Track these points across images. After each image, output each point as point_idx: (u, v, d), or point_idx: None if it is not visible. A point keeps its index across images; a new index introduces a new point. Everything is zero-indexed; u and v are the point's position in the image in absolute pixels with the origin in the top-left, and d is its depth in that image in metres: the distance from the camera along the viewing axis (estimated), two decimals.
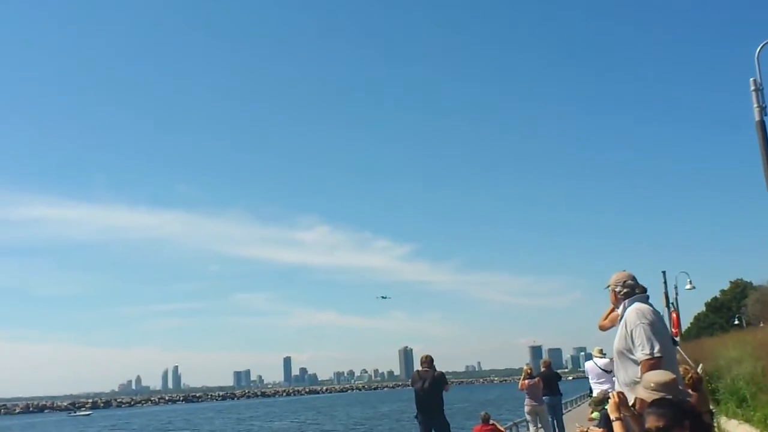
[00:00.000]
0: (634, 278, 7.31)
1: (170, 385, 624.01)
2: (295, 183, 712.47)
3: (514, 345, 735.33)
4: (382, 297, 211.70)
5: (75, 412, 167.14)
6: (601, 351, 16.18)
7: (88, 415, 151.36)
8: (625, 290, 7.18)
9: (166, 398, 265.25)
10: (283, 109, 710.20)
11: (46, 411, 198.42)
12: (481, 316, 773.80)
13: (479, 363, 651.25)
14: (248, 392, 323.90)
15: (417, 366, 15.36)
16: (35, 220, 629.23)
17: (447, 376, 15.37)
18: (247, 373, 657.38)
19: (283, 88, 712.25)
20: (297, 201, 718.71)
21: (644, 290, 7.38)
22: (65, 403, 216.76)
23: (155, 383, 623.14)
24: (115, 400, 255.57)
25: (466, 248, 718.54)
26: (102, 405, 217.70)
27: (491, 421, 19.53)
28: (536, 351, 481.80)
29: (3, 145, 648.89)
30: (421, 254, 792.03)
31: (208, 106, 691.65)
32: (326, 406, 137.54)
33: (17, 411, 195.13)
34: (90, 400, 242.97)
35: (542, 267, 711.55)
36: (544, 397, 21.02)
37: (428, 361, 14.83)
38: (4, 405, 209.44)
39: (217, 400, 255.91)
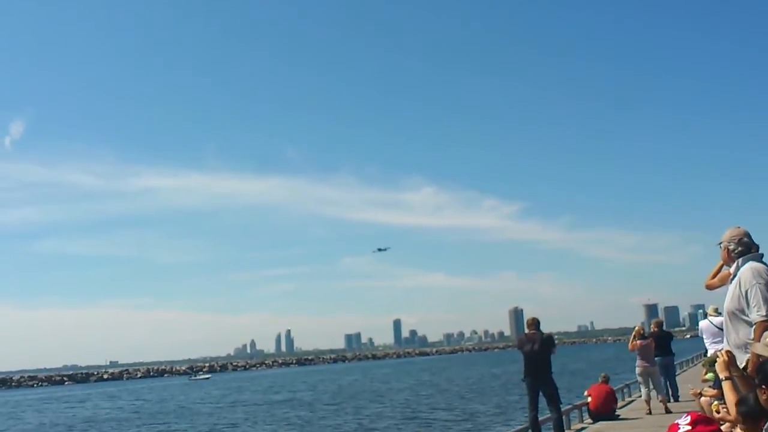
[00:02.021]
0: (749, 236, 6.99)
1: (283, 348, 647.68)
2: (400, 145, 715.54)
3: (627, 304, 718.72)
4: (379, 249, 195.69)
5: (195, 376, 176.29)
6: (716, 309, 15.65)
7: (208, 378, 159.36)
8: (739, 248, 6.91)
9: (280, 361, 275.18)
10: (385, 72, 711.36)
11: (165, 375, 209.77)
12: (593, 274, 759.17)
13: (592, 323, 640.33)
14: (359, 355, 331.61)
15: (527, 327, 15.41)
16: (149, 191, 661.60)
17: (558, 337, 15.43)
18: (358, 336, 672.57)
19: (388, 55, 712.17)
20: (402, 163, 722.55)
21: (758, 249, 7.04)
22: (184, 368, 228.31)
23: (269, 347, 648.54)
24: (231, 363, 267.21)
25: (578, 205, 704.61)
26: (219, 369, 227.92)
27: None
28: (651, 309, 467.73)
29: (117, 119, 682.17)
30: (531, 213, 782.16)
31: (313, 73, 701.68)
32: (437, 367, 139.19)
33: (139, 376, 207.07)
34: (207, 365, 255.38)
35: (657, 222, 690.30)
36: (656, 358, 20.70)
37: (535, 323, 14.86)
38: (126, 370, 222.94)
39: (328, 362, 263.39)
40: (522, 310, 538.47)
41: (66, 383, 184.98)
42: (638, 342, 20.27)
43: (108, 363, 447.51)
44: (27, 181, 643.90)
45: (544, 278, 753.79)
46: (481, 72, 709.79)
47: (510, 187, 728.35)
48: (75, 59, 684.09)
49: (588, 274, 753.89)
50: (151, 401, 78.33)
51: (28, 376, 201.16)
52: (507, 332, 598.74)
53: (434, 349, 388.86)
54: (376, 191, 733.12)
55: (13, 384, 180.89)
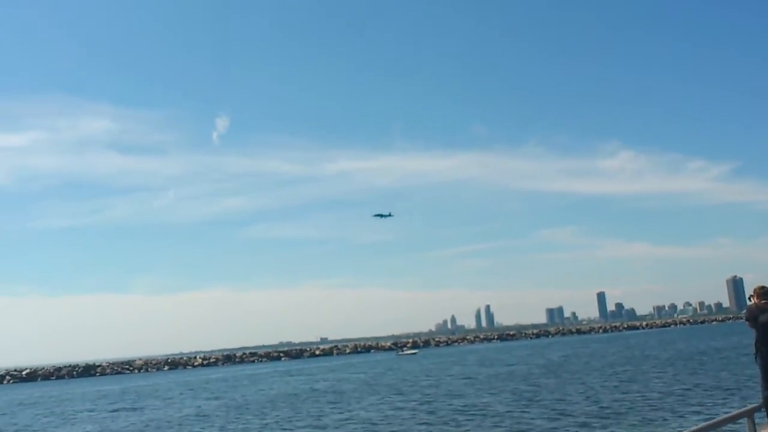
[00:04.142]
0: None
1: (484, 323, 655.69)
2: (592, 110, 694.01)
3: None
4: (380, 215, 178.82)
5: (402, 351, 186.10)
6: None
7: (415, 353, 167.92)
8: None
9: (481, 337, 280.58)
10: (571, 35, 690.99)
11: (372, 351, 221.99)
12: None
13: None
14: (562, 329, 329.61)
15: (755, 297, 13.79)
16: (343, 174, 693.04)
17: None
18: (560, 310, 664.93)
19: (573, 15, 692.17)
20: (594, 128, 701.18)
21: None
22: (389, 344, 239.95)
23: (469, 322, 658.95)
24: (433, 339, 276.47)
25: None
26: (422, 344, 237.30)
27: None
28: None
29: (310, 109, 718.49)
30: (745, 172, 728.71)
31: (497, 44, 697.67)
32: (649, 342, 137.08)
33: (348, 351, 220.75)
34: (410, 340, 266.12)
35: None
36: None
37: (765, 292, 13.58)
38: (335, 346, 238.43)
39: (531, 338, 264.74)
40: (741, 279, 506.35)
41: (282, 359, 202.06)
42: None
43: (319, 339, 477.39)
44: (234, 173, 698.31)
45: (765, 242, 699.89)
46: (674, 28, 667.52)
47: (718, 146, 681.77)
48: (267, 57, 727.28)
49: None
50: (379, 372, 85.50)
51: (249, 353, 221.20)
52: (725, 303, 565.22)
53: (644, 323, 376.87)
54: (569, 160, 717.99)
55: (237, 360, 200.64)
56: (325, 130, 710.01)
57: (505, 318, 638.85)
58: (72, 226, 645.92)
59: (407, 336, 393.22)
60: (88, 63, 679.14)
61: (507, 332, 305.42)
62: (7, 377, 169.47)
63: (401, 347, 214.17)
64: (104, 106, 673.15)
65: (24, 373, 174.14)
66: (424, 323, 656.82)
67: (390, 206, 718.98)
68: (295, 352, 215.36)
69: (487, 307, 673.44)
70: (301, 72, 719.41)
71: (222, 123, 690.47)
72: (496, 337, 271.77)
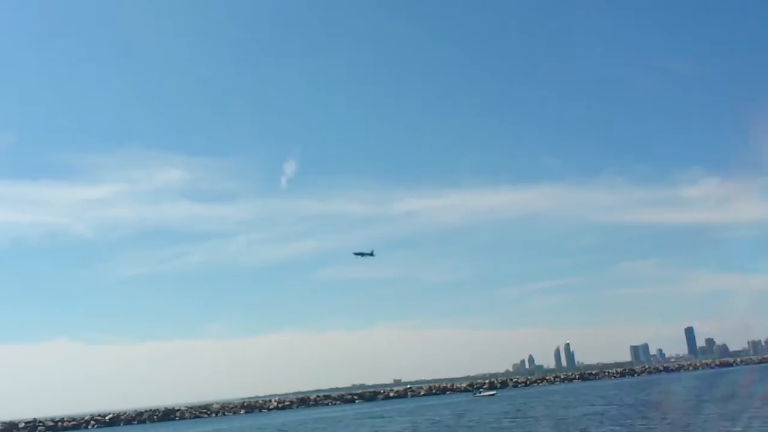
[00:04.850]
0: None
1: (564, 363, 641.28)
2: (672, 136, 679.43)
3: None
4: (360, 254, 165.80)
5: (478, 393, 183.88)
6: None
7: (493, 394, 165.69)
8: None
9: (562, 377, 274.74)
10: (646, 64, 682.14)
11: (447, 392, 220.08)
12: None
13: None
14: (648, 368, 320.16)
15: None
16: (412, 213, 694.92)
17: None
18: (645, 347, 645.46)
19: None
20: (674, 155, 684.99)
21: None
22: (464, 385, 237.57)
23: (548, 362, 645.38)
24: (511, 380, 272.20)
25: None
26: (499, 385, 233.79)
27: None
28: None
29: (377, 150, 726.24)
30: None
31: (565, 71, 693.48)
32: (746, 378, 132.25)
33: (422, 393, 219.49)
34: (487, 381, 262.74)
35: None
36: None
37: None
38: (410, 388, 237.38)
39: (615, 377, 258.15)
40: None
41: (356, 401, 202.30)
42: None
43: (392, 381, 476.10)
44: (303, 215, 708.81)
45: None
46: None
47: None
48: (331, 100, 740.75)
49: None
50: (458, 414, 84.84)
51: (323, 396, 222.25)
52: None
53: (738, 359, 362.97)
54: (648, 189, 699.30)
55: (311, 403, 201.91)
56: (392, 169, 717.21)
57: (586, 357, 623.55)
58: (149, 274, 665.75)
59: (483, 377, 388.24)
60: (163, 116, 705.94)
61: (589, 371, 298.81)
62: (92, 422, 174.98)
63: (478, 388, 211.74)
64: (178, 156, 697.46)
65: (107, 418, 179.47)
66: (500, 363, 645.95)
67: (460, 244, 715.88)
68: (369, 395, 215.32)
69: (567, 346, 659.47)
70: (366, 113, 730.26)
71: (290, 167, 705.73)
72: (577, 376, 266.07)
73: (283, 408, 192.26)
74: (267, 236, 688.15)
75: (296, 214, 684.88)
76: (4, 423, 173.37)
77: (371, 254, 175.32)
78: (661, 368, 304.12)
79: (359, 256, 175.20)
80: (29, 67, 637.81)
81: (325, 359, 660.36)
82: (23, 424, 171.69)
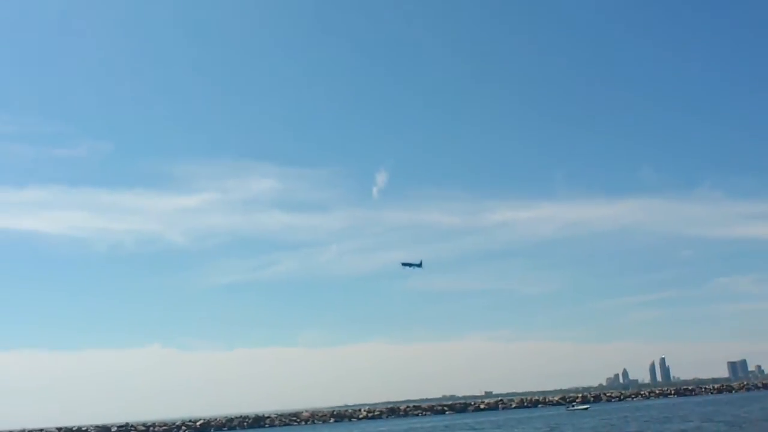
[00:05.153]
0: None
1: (659, 377, 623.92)
2: None
3: None
4: (408, 265, 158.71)
5: (571, 406, 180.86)
6: None
7: (586, 408, 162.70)
8: None
9: (657, 392, 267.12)
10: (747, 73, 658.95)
11: (539, 405, 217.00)
12: None
13: None
14: (747, 384, 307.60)
15: None
16: (504, 224, 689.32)
17: None
18: (743, 363, 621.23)
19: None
20: None
21: None
22: (556, 398, 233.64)
23: (643, 376, 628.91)
24: (604, 394, 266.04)
25: None
26: (592, 399, 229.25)
27: None
28: None
29: (467, 161, 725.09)
30: None
31: (664, 79, 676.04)
32: None
33: (513, 406, 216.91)
34: (579, 395, 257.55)
35: None
36: None
37: None
38: (501, 400, 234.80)
39: (711, 393, 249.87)
40: None
41: (447, 412, 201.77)
42: None
43: (483, 393, 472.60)
44: (394, 226, 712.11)
45: None
46: None
47: None
48: (423, 111, 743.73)
49: None
50: (553, 428, 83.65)
51: (413, 406, 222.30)
52: None
53: None
54: (749, 203, 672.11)
55: (401, 413, 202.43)
56: (484, 180, 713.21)
57: (682, 372, 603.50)
58: (241, 282, 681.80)
59: (576, 390, 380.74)
60: (255, 127, 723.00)
61: (685, 387, 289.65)
62: (183, 427, 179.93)
63: (570, 402, 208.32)
64: (270, 166, 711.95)
65: (198, 423, 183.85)
66: (593, 377, 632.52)
67: (554, 256, 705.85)
68: (460, 406, 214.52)
69: (662, 360, 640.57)
70: (458, 123, 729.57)
71: (381, 177, 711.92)
72: (672, 392, 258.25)
73: (373, 418, 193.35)
74: (358, 246, 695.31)
75: (387, 224, 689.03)
76: (97, 426, 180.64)
77: (419, 265, 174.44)
78: (760, 385, 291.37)
79: (407, 267, 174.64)
80: (125, 78, 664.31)
81: (414, 370, 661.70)
82: (116, 428, 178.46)
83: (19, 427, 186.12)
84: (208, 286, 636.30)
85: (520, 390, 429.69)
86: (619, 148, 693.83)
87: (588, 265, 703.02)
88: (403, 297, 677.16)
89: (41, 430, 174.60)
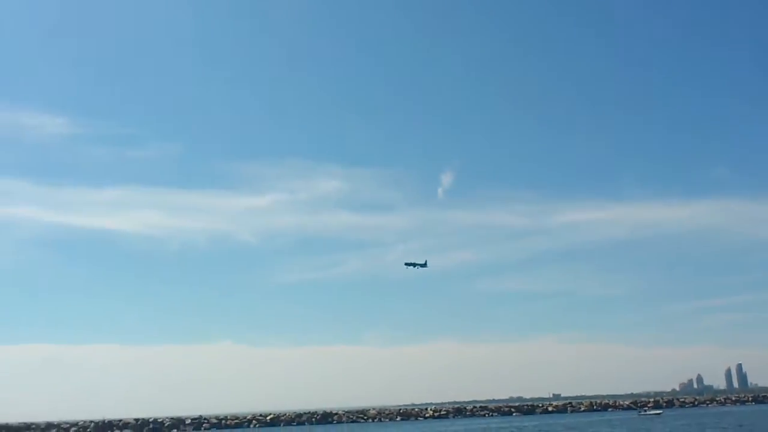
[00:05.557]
0: None
1: (735, 384, 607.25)
2: None
3: None
4: (412, 264, 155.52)
5: (644, 411, 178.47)
6: None
7: (659, 414, 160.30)
8: None
9: (733, 398, 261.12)
10: None
11: (609, 409, 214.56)
12: None
13: None
14: None
15: None
16: (572, 226, 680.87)
17: None
18: None
19: None
20: None
21: None
22: (627, 402, 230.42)
23: (718, 382, 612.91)
24: (678, 399, 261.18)
25: None
26: (664, 404, 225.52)
27: None
28: None
29: (533, 163, 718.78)
30: None
31: (739, 72, 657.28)
32: None
33: (582, 409, 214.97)
34: (651, 400, 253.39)
35: None
36: None
37: None
38: (569, 403, 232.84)
39: None
40: None
41: (514, 414, 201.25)
42: None
43: (551, 396, 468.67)
44: (459, 226, 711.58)
45: None
46: None
47: None
48: (489, 113, 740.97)
49: None
50: None
51: (480, 407, 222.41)
52: None
53: None
54: None
55: (467, 413, 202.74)
56: (552, 180, 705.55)
57: (760, 378, 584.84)
58: (308, 280, 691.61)
59: (647, 395, 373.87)
60: (321, 128, 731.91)
61: (763, 394, 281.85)
62: (254, 421, 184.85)
63: (642, 406, 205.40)
64: (336, 167, 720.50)
65: (268, 418, 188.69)
66: (666, 382, 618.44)
67: (624, 258, 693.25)
68: (527, 408, 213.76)
69: (739, 366, 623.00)
70: (524, 123, 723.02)
71: (447, 178, 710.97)
72: (750, 398, 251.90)
73: (439, 417, 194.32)
74: (423, 246, 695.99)
75: (453, 224, 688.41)
76: (172, 418, 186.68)
77: (424, 265, 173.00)
78: None
79: (411, 267, 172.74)
80: (193, 81, 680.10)
81: (481, 370, 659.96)
82: (190, 420, 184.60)
83: (99, 417, 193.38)
84: (276, 284, 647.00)
85: (589, 393, 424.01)
86: (692, 148, 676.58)
87: (660, 268, 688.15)
88: (470, 297, 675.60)
89: (120, 420, 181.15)
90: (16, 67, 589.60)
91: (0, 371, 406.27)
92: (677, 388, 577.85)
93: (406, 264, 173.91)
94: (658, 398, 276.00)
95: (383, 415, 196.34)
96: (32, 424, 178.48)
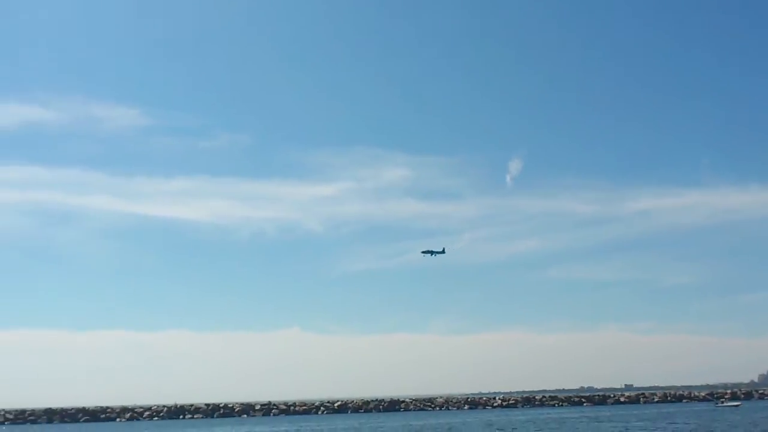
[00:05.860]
0: None
1: None
2: None
3: None
4: (429, 252, 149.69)
5: (720, 403, 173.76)
6: None
7: (737, 405, 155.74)
8: None
9: None
10: None
11: (684, 401, 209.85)
12: None
13: None
14: None
15: None
16: (646, 213, 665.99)
17: None
18: None
19: None
20: None
21: None
22: (702, 393, 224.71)
23: None
24: (757, 391, 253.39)
25: None
26: (742, 396, 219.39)
27: None
28: None
29: (604, 151, 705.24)
30: None
31: None
32: None
33: (656, 400, 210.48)
34: (728, 391, 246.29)
35: None
36: None
37: None
38: (642, 394, 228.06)
39: None
40: None
41: (584, 404, 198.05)
42: None
43: (623, 386, 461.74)
44: (528, 214, 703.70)
45: None
46: None
47: None
48: (560, 98, 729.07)
49: None
50: (703, 424, 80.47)
51: (549, 396, 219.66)
52: None
53: None
54: None
55: (536, 403, 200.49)
56: (624, 167, 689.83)
57: None
58: (374, 269, 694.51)
59: (724, 386, 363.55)
60: (387, 115, 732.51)
61: None
62: (321, 408, 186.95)
63: (718, 398, 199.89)
64: (402, 155, 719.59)
65: (336, 405, 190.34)
66: (744, 373, 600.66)
67: (700, 246, 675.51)
68: (598, 398, 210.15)
69: None
70: (594, 108, 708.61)
71: (515, 165, 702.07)
72: None
73: (508, 406, 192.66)
74: (491, 234, 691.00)
75: (521, 212, 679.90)
76: (242, 404, 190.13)
77: (442, 252, 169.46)
78: None
79: (428, 255, 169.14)
80: (261, 72, 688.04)
81: (551, 360, 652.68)
82: (259, 405, 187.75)
83: (171, 402, 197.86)
84: (343, 272, 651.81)
85: (662, 384, 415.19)
86: None
87: (737, 255, 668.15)
88: (540, 286, 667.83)
89: (191, 405, 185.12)
90: (90, 62, 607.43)
91: (78, 357, 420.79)
92: (756, 380, 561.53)
93: (423, 252, 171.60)
94: (735, 390, 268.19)
95: (451, 403, 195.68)
96: (108, 408, 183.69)
